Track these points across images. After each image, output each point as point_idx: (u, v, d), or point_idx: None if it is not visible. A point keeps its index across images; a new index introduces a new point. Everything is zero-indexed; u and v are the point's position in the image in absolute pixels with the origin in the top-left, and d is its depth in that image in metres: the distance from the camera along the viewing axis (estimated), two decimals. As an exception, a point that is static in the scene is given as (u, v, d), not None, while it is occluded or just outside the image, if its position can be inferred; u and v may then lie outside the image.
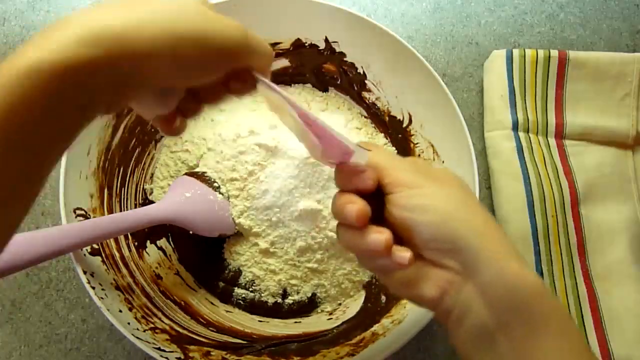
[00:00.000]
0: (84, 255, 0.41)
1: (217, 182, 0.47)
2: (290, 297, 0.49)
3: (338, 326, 0.47)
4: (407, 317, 0.44)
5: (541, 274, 0.50)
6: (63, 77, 0.21)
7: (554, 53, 0.54)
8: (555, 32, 0.59)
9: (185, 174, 0.48)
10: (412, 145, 0.51)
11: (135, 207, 0.49)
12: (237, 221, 0.46)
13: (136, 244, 0.48)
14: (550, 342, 0.28)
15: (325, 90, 0.54)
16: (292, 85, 0.54)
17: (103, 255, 0.43)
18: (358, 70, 0.49)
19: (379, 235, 0.30)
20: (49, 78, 0.21)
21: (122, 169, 0.48)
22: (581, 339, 0.29)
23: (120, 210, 0.47)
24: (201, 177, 0.47)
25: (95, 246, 0.43)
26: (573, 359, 0.28)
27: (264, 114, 0.50)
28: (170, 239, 0.50)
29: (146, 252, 0.48)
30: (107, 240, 0.45)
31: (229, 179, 0.46)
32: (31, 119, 0.21)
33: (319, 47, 0.48)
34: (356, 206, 0.30)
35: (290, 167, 0.45)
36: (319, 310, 0.49)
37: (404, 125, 0.51)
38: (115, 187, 0.47)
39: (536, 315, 0.28)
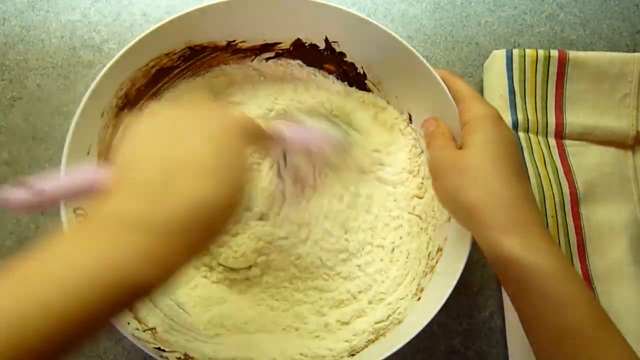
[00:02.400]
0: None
1: None
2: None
3: (338, 326, 0.47)
4: (407, 317, 0.44)
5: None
6: None
7: (554, 53, 0.54)
8: (555, 32, 0.59)
9: None
10: (412, 145, 0.51)
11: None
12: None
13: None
14: (533, 301, 0.35)
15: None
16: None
17: (103, 255, 0.43)
18: (358, 70, 0.49)
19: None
20: None
21: (122, 169, 0.48)
22: (562, 297, 0.34)
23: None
24: None
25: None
26: (550, 314, 0.34)
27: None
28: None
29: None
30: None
31: None
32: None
33: (319, 47, 0.48)
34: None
35: None
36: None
37: (404, 125, 0.51)
38: (115, 187, 0.47)
39: (519, 280, 0.35)
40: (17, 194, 0.28)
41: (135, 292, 0.25)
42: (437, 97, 0.44)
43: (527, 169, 0.52)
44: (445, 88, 0.43)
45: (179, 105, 0.34)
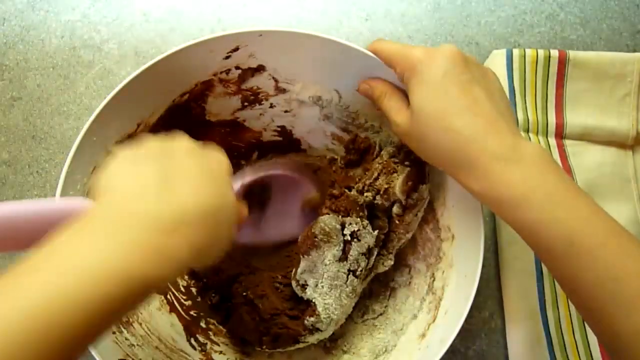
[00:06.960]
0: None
1: None
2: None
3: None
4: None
5: (541, 274, 0.50)
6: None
7: (554, 53, 0.54)
8: (555, 32, 0.59)
9: None
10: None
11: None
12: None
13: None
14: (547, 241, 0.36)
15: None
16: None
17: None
18: None
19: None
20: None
21: (122, 169, 0.48)
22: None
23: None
24: None
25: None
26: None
27: None
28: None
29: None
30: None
31: None
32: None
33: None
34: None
35: None
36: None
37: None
38: (115, 187, 0.47)
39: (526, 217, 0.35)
40: None
41: (144, 289, 0.25)
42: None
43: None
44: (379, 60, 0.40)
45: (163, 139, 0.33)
